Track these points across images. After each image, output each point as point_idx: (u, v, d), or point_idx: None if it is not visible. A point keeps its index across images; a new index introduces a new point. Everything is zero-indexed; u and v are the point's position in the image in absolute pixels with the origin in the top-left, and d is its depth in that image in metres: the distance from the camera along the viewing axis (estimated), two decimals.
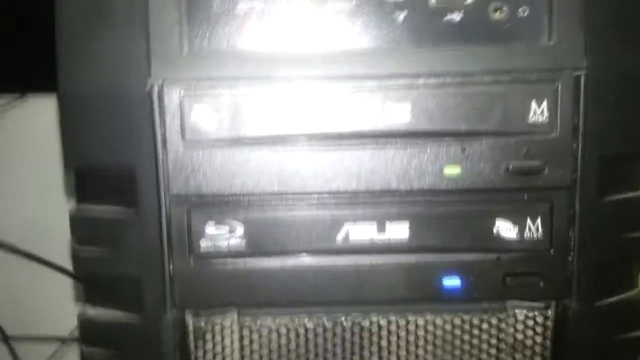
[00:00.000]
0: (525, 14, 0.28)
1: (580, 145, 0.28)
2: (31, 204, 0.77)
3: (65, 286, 0.77)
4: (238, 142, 0.27)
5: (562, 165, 0.28)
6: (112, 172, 0.28)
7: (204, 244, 0.28)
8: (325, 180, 0.28)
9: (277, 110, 0.27)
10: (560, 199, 0.28)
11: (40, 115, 0.76)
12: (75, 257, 0.30)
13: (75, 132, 0.27)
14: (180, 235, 0.28)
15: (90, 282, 0.30)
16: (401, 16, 0.27)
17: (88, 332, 0.31)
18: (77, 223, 0.29)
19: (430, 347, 0.30)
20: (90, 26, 0.27)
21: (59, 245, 0.77)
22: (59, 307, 0.78)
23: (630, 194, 0.30)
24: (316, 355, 0.30)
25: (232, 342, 0.30)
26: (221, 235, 0.28)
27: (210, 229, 0.28)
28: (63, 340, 0.78)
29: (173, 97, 0.26)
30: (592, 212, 0.29)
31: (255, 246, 0.28)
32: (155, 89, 0.26)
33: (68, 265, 0.77)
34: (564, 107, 0.27)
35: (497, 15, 0.28)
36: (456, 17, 0.27)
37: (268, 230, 0.28)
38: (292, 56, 0.27)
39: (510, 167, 0.28)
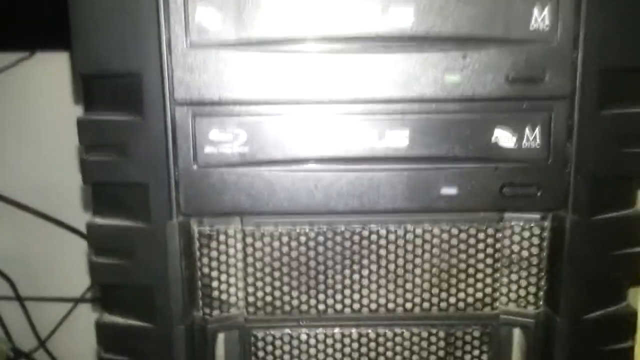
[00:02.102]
0: None
1: (580, 55, 0.28)
2: (42, 164, 0.78)
3: (78, 248, 0.79)
4: (242, 44, 0.27)
5: (562, 74, 0.28)
6: (119, 78, 0.29)
7: (207, 151, 0.29)
8: (327, 87, 0.28)
9: (281, 11, 0.27)
10: (559, 109, 0.29)
11: (49, 73, 0.76)
12: (84, 165, 0.30)
13: (84, 37, 0.28)
14: (185, 142, 0.29)
15: (99, 190, 0.31)
16: None
17: (97, 241, 0.32)
18: (86, 131, 0.30)
19: (427, 257, 0.31)
20: None
21: (70, 205, 0.79)
22: (71, 268, 0.80)
23: (631, 109, 0.30)
24: (317, 262, 0.31)
25: (235, 249, 0.31)
26: (225, 142, 0.29)
27: (214, 135, 0.29)
28: (75, 301, 0.80)
29: None
30: (591, 124, 0.29)
31: (258, 153, 0.29)
32: None
33: (80, 225, 0.79)
34: (566, 14, 0.28)
35: None
36: None
37: (270, 137, 0.29)
38: None
39: (511, 75, 0.28)
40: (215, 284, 0.31)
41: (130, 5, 0.27)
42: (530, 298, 0.32)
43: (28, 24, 0.72)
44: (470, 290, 0.32)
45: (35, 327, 0.82)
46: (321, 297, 0.31)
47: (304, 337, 0.32)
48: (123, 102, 0.29)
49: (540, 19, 0.28)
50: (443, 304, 0.32)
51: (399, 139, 0.29)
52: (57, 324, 0.81)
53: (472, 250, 0.31)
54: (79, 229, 0.79)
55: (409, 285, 0.31)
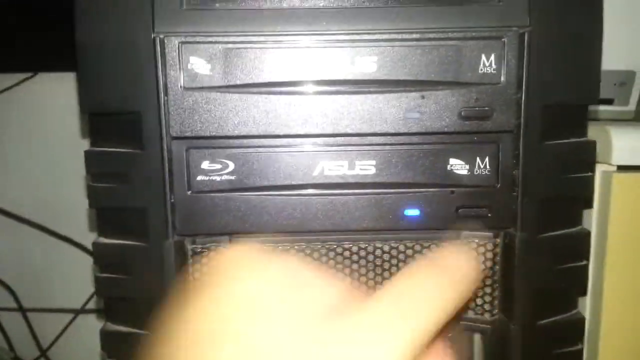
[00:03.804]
0: None
1: (523, 94, 0.32)
2: (44, 178, 0.82)
3: (79, 260, 0.82)
4: (229, 89, 0.31)
5: (507, 111, 0.32)
6: (121, 117, 0.33)
7: (199, 179, 0.33)
8: (304, 124, 0.32)
9: (262, 60, 0.31)
10: (506, 141, 0.33)
11: (50, 92, 0.80)
12: (90, 191, 0.34)
13: (90, 80, 0.32)
14: (180, 172, 0.33)
15: (104, 213, 0.35)
16: None
17: (101, 258, 0.36)
18: (92, 162, 0.34)
19: (394, 270, 0.35)
20: None
21: (71, 219, 0.82)
22: (72, 280, 0.83)
23: (570, 140, 0.34)
24: None
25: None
26: (214, 172, 0.33)
27: (205, 165, 0.33)
28: (76, 312, 0.83)
29: (173, 48, 0.31)
30: (535, 153, 0.33)
31: (244, 181, 0.33)
32: (158, 42, 0.31)
33: (81, 239, 0.82)
34: (510, 60, 0.32)
35: None
36: None
37: (255, 167, 0.33)
38: (276, 13, 0.31)
39: (463, 112, 0.32)
40: None
41: (131, 54, 0.31)
42: (486, 306, 0.36)
43: (31, 47, 0.77)
44: None
45: (36, 337, 0.85)
46: None
47: None
48: (125, 137, 0.33)
49: (488, 64, 0.32)
50: None
51: (367, 168, 0.33)
52: (58, 335, 0.84)
53: None
54: (81, 243, 0.82)
55: None
